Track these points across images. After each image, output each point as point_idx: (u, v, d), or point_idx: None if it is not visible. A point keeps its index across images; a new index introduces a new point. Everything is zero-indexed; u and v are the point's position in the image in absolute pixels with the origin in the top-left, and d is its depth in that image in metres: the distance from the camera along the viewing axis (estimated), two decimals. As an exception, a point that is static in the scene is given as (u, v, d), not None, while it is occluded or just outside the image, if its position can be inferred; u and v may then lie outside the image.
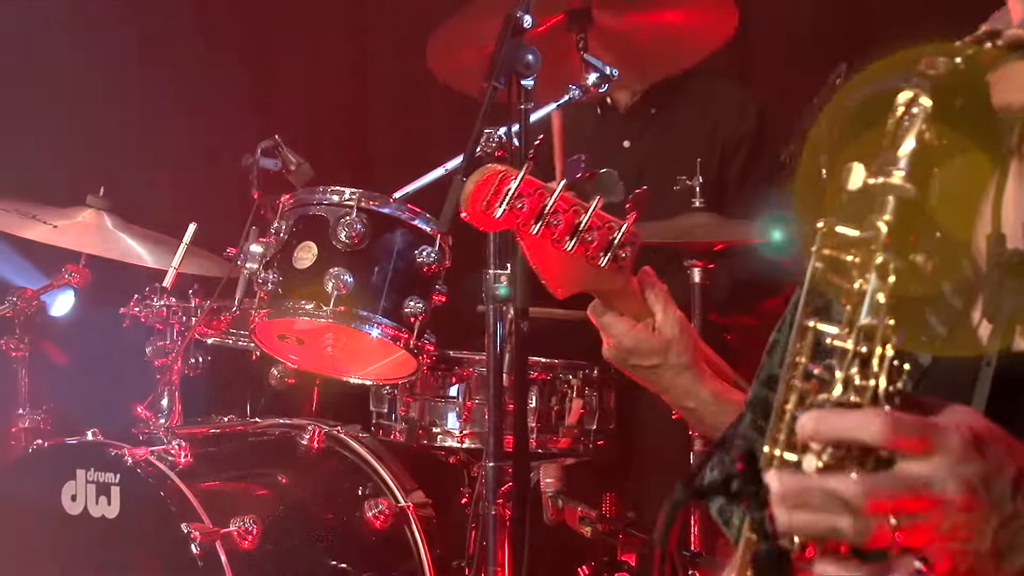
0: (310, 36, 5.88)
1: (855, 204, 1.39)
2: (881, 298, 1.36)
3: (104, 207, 4.66)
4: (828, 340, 1.38)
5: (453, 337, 4.19)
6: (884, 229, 1.36)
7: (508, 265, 3.77)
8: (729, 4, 4.23)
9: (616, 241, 2.68)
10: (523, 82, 3.69)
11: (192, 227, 4.35)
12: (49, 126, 5.83)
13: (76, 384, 5.31)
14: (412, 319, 3.96)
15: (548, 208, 2.65)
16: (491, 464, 3.80)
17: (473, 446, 4.15)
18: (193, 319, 4.22)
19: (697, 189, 4.39)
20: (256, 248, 4.04)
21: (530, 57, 3.68)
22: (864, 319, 1.36)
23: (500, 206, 2.71)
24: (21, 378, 4.55)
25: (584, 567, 4.29)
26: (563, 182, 2.69)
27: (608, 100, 5.07)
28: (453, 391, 4.26)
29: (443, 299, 4.06)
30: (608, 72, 4.05)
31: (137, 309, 4.24)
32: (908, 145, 1.37)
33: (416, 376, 4.19)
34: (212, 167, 4.82)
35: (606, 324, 2.60)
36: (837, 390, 1.35)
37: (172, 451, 4.01)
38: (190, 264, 4.38)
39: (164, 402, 4.19)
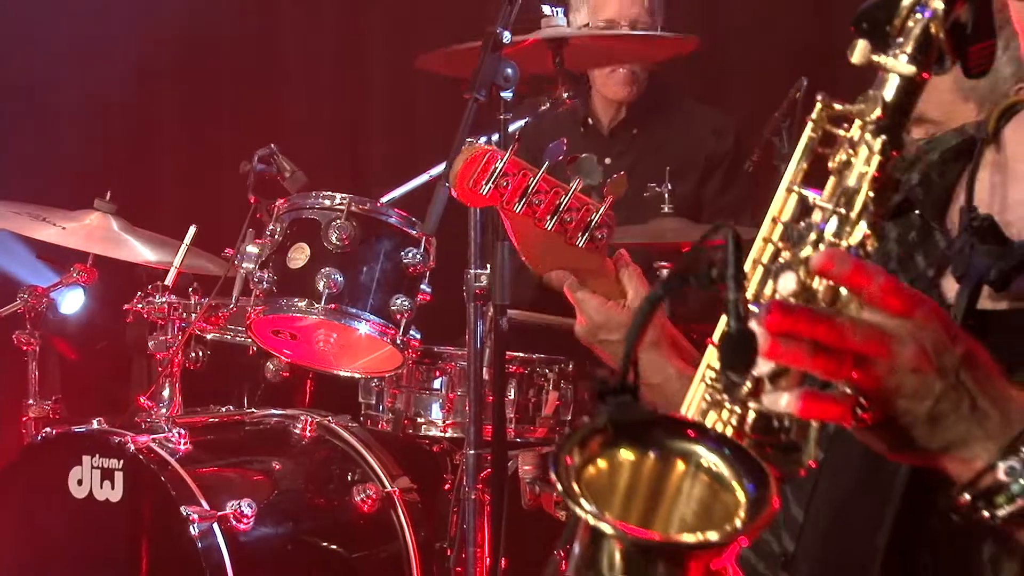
0: (306, 48, 5.86)
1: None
2: (867, 167, 1.33)
3: (110, 210, 4.65)
4: (811, 200, 1.36)
5: (437, 333, 4.19)
6: (881, 106, 1.34)
7: (488, 265, 3.80)
8: (688, 41, 4.26)
9: (594, 223, 2.70)
10: (503, 94, 3.72)
11: (192, 229, 4.35)
12: (58, 134, 5.83)
13: (83, 376, 5.32)
14: (398, 316, 3.96)
15: (531, 188, 2.66)
16: (472, 452, 3.83)
17: (455, 435, 4.17)
18: (193, 315, 4.21)
19: (666, 196, 4.42)
20: (252, 249, 4.05)
21: (509, 71, 3.70)
22: (850, 184, 1.34)
23: (487, 184, 2.72)
24: (31, 370, 4.51)
25: (560, 550, 4.30)
26: (546, 164, 2.71)
27: (590, 121, 5.06)
28: (437, 384, 4.27)
29: (428, 298, 4.06)
30: (583, 79, 4.10)
31: (140, 306, 4.23)
32: (916, 32, 1.33)
33: (402, 370, 4.20)
34: (211, 173, 4.82)
35: (580, 300, 2.62)
36: (806, 250, 1.32)
37: (172, 439, 4.00)
38: (190, 264, 4.38)
39: (165, 393, 4.18)
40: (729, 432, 1.32)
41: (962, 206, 1.56)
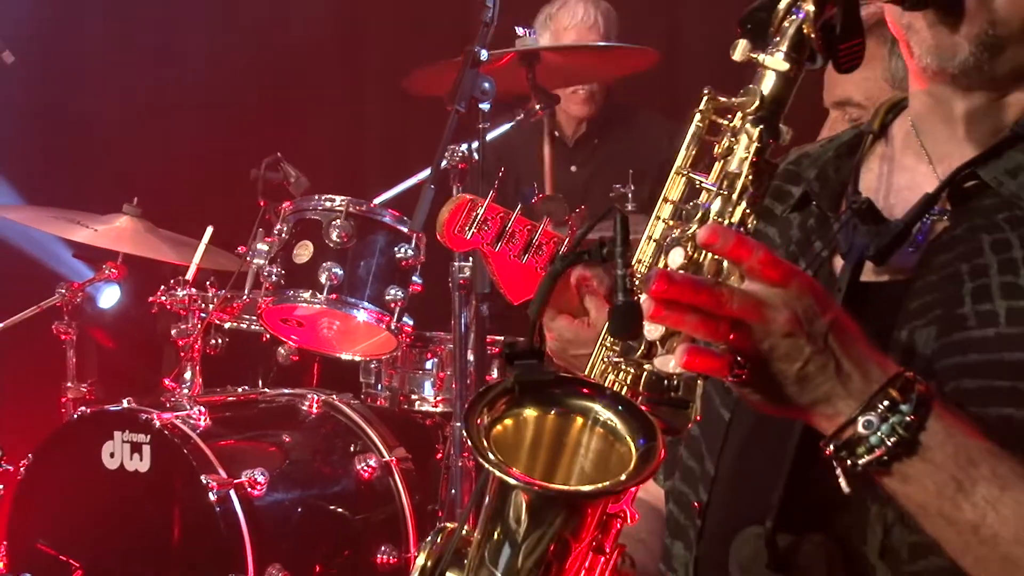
0: (308, 66, 5.85)
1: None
2: (746, 152, 1.33)
3: (137, 214, 4.64)
4: (698, 183, 1.36)
5: (428, 320, 4.18)
6: (759, 99, 1.33)
7: (471, 258, 3.82)
8: (647, 52, 4.28)
9: (560, 252, 2.73)
10: (481, 106, 3.74)
11: (209, 230, 4.36)
12: (90, 146, 5.83)
13: (116, 362, 5.34)
14: (393, 305, 3.98)
15: (507, 228, 2.68)
16: (459, 425, 3.85)
17: (445, 410, 4.18)
18: (211, 306, 4.21)
19: (629, 195, 4.43)
20: (262, 246, 4.09)
21: (487, 85, 3.71)
22: (732, 169, 1.33)
23: (470, 229, 2.75)
24: (69, 357, 4.52)
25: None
26: (519, 207, 2.74)
27: (556, 133, 5.01)
28: (428, 364, 4.30)
29: (419, 288, 4.06)
30: (552, 96, 4.11)
31: (164, 298, 4.23)
32: (790, 31, 1.33)
33: (397, 352, 4.23)
34: (225, 179, 4.81)
35: (550, 320, 2.64)
36: (694, 227, 1.32)
37: (194, 416, 4.00)
38: (208, 260, 4.38)
39: (187, 375, 4.19)
40: (624, 391, 1.32)
41: (848, 192, 1.57)
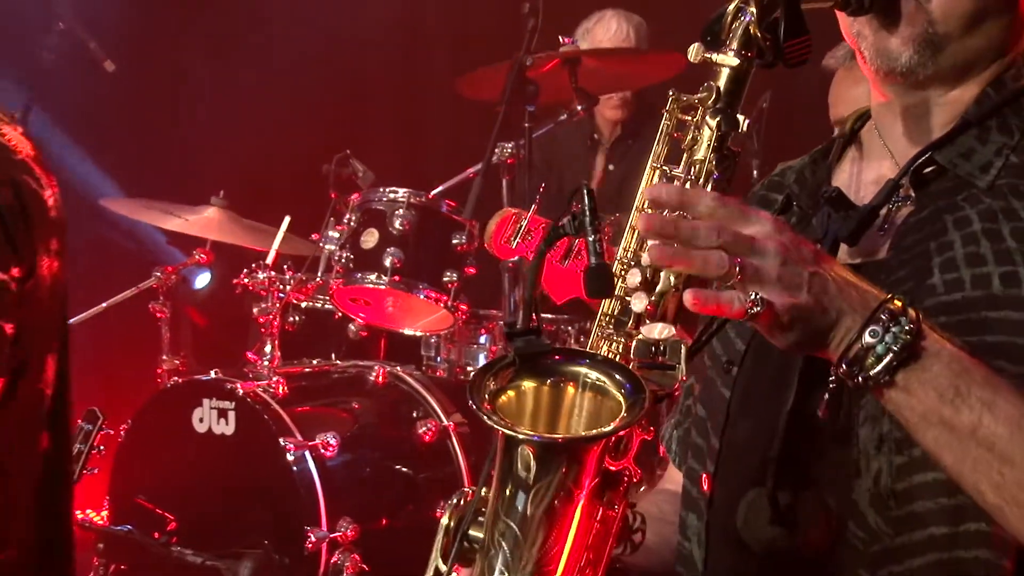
0: (374, 70, 5.87)
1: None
2: (709, 141, 1.35)
3: (223, 205, 4.67)
4: (670, 173, 1.39)
5: (481, 298, 4.19)
6: (716, 93, 1.35)
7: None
8: (676, 57, 4.25)
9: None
10: (527, 107, 3.75)
11: (287, 219, 4.37)
12: (183, 146, 5.89)
13: (207, 337, 5.39)
14: (449, 285, 3.99)
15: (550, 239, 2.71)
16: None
17: None
18: (288, 287, 4.23)
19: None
20: (333, 234, 4.10)
21: (532, 88, 3.73)
22: (697, 156, 1.35)
23: (515, 239, 2.78)
24: (164, 333, 4.56)
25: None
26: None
27: (595, 135, 5.02)
28: (482, 339, 4.32)
29: (473, 270, 4.06)
30: (592, 98, 4.11)
31: (247, 280, 4.25)
32: (739, 32, 1.35)
33: (453, 328, 4.24)
34: (301, 173, 4.83)
35: None
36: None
37: (273, 385, 4.01)
38: (285, 247, 4.39)
39: (267, 349, 4.21)
40: (617, 358, 1.33)
41: (827, 188, 1.56)
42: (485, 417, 1.27)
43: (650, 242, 1.29)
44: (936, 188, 1.47)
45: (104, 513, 4.24)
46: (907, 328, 1.26)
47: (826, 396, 1.33)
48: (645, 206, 1.39)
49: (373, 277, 4.01)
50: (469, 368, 4.34)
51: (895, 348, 1.25)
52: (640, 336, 1.31)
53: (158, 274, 4.57)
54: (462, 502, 1.38)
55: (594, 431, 1.28)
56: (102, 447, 3.59)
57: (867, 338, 1.26)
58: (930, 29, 1.44)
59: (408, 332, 4.38)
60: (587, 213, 1.33)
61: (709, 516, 1.54)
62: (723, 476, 1.54)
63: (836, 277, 1.29)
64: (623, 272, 1.35)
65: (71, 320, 4.35)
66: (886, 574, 1.37)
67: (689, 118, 1.39)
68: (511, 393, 1.33)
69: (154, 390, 4.32)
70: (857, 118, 1.65)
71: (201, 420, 4.02)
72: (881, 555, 1.37)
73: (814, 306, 1.26)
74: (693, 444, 1.62)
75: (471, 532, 1.35)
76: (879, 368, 1.26)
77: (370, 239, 4.04)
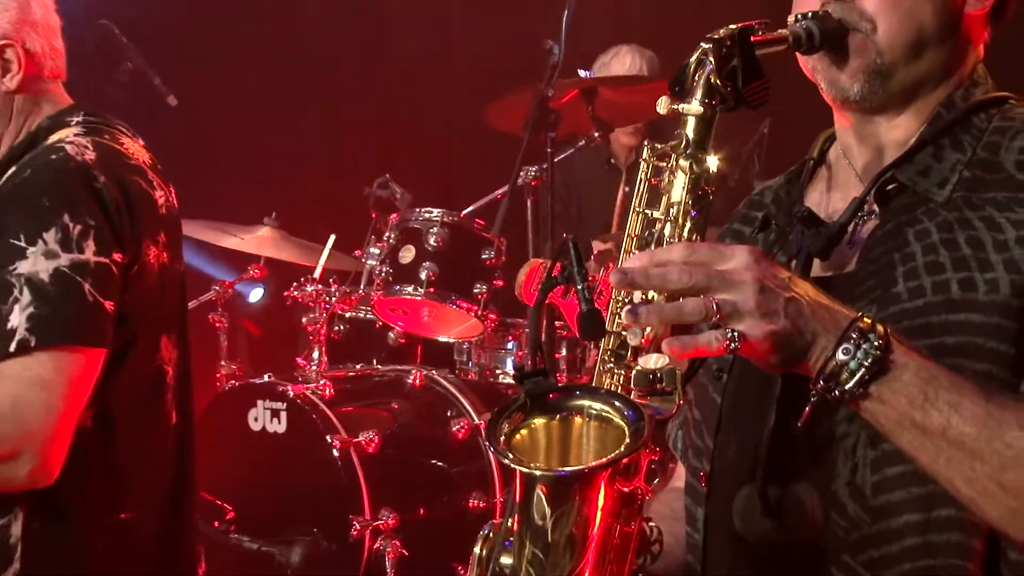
0: (410, 101, 5.89)
1: (669, 128, 1.40)
2: (683, 184, 1.35)
3: (275, 224, 4.71)
4: (650, 216, 1.38)
5: (508, 308, 4.19)
6: (686, 139, 1.35)
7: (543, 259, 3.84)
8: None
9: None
10: (549, 134, 3.77)
11: (332, 237, 4.39)
12: (238, 171, 5.90)
13: (261, 345, 5.40)
14: (480, 296, 3.99)
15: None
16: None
17: None
18: (333, 299, 4.24)
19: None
20: (374, 250, 4.12)
21: (553, 116, 3.75)
22: (674, 199, 1.35)
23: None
24: (222, 341, 4.59)
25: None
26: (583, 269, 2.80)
27: (612, 160, 5.00)
28: (509, 345, 4.31)
29: (501, 283, 4.07)
30: (608, 126, 4.12)
31: (296, 293, 4.27)
32: (700, 81, 1.35)
33: (483, 335, 4.24)
34: (344, 196, 4.84)
35: None
36: (653, 246, 1.35)
37: (320, 388, 4.02)
38: (331, 262, 4.41)
39: (315, 355, 4.22)
40: (619, 390, 1.33)
41: (800, 208, 1.55)
42: (502, 458, 1.27)
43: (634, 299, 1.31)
44: (898, 204, 1.48)
45: (169, 504, 4.26)
46: (876, 344, 1.26)
47: (807, 409, 1.32)
48: (633, 247, 1.40)
49: (410, 289, 4.01)
50: (498, 371, 4.34)
51: (866, 363, 1.26)
52: (638, 367, 1.30)
53: (216, 288, 4.59)
54: (492, 534, 1.37)
55: (599, 460, 1.28)
56: (167, 444, 3.61)
57: (840, 355, 1.26)
58: (877, 60, 1.46)
59: (442, 339, 4.39)
60: (575, 265, 1.33)
61: (707, 510, 1.55)
62: (718, 473, 1.54)
63: (810, 300, 1.28)
64: (618, 309, 1.34)
65: None
66: (867, 558, 1.37)
67: (664, 164, 1.38)
68: (524, 432, 1.32)
69: (213, 393, 4.33)
70: (825, 140, 1.65)
71: (256, 420, 4.03)
72: (861, 541, 1.38)
73: (791, 330, 1.26)
74: (692, 443, 1.63)
75: (502, 560, 1.34)
76: (853, 382, 1.26)
77: (407, 255, 4.04)
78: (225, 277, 4.76)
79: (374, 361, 4.63)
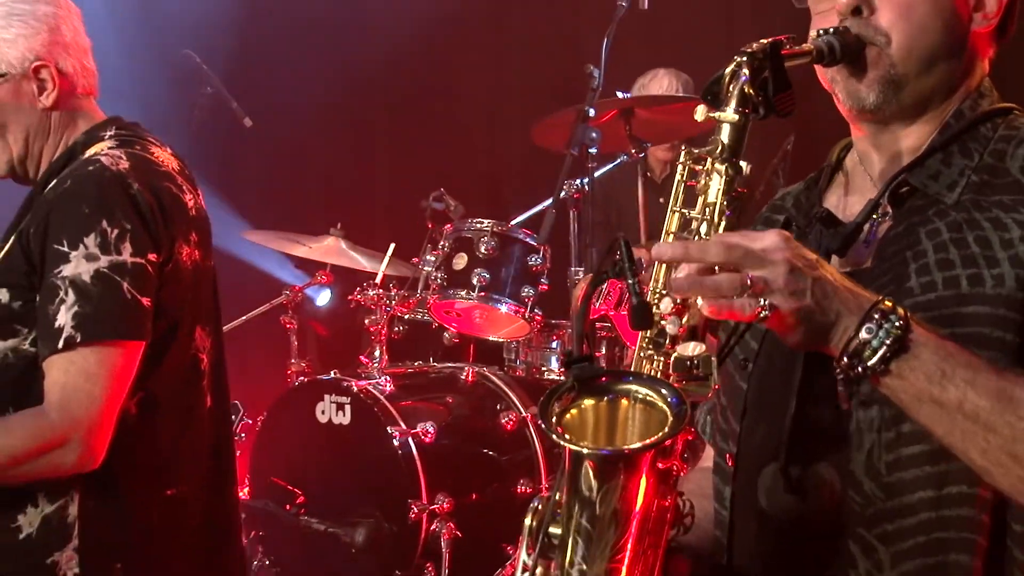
0: (463, 120, 5.89)
1: (704, 137, 1.39)
2: (719, 186, 1.35)
3: (340, 234, 4.70)
4: (687, 215, 1.38)
5: (553, 310, 4.17)
6: (721, 145, 1.36)
7: (583, 264, 3.83)
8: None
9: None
10: (590, 150, 3.75)
11: (392, 246, 4.39)
12: (308, 186, 5.95)
13: (327, 344, 5.42)
14: (527, 300, 3.97)
15: (625, 295, 2.74)
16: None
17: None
18: (393, 302, 4.25)
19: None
20: (430, 258, 4.11)
21: (594, 135, 3.73)
22: (711, 200, 1.36)
23: (597, 301, 2.80)
24: (292, 341, 4.60)
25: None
26: (636, 279, 2.79)
27: (648, 173, 4.97)
28: (554, 344, 4.28)
29: (546, 288, 4.05)
30: (644, 144, 4.10)
31: (359, 297, 4.27)
32: (735, 91, 1.36)
33: (530, 335, 4.22)
34: (403, 208, 4.86)
35: None
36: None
37: (381, 383, 4.04)
38: (391, 269, 4.43)
39: (377, 354, 4.22)
40: (659, 375, 1.34)
41: (819, 209, 1.57)
42: (554, 437, 1.28)
43: (673, 274, 1.32)
44: (910, 205, 1.47)
45: (245, 489, 4.27)
46: (897, 324, 1.27)
47: (840, 390, 1.33)
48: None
49: (463, 293, 4.01)
50: (543, 368, 4.31)
51: (887, 341, 1.26)
52: (676, 354, 1.31)
53: (287, 292, 4.61)
54: (540, 507, 1.37)
55: (648, 440, 1.28)
56: (243, 434, 3.63)
57: (863, 334, 1.27)
58: (891, 71, 1.45)
59: (492, 339, 4.38)
60: (625, 260, 1.33)
61: (734, 487, 1.55)
62: (744, 454, 1.54)
63: (835, 282, 1.30)
64: (656, 300, 1.36)
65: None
66: (881, 531, 1.37)
67: (700, 167, 1.39)
68: (574, 412, 1.33)
69: (284, 388, 4.35)
70: (841, 148, 1.65)
71: (323, 412, 4.05)
72: (876, 516, 1.38)
73: (815, 308, 1.28)
74: (720, 427, 1.63)
75: (551, 530, 1.34)
76: (875, 359, 1.27)
77: (460, 262, 4.04)
78: (295, 282, 4.78)
79: (430, 359, 4.63)
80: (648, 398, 1.32)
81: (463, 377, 4.32)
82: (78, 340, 1.97)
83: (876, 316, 1.27)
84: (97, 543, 2.05)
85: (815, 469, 1.42)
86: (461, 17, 5.62)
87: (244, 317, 4.72)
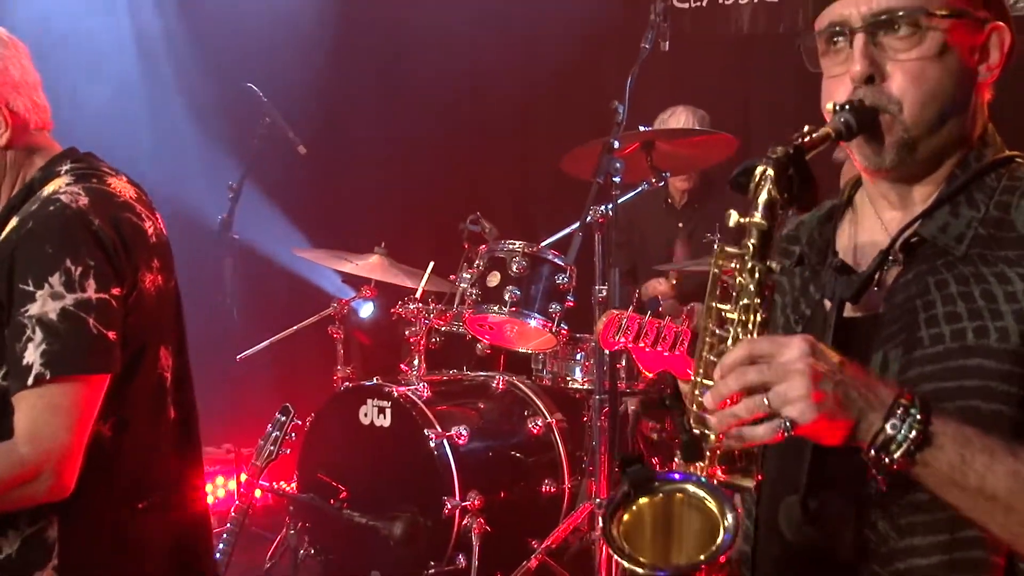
0: (495, 150, 5.90)
1: (734, 234, 1.35)
2: (752, 287, 1.32)
3: (383, 253, 4.72)
4: (724, 312, 1.35)
5: (578, 325, 4.16)
6: (751, 247, 1.32)
7: (606, 283, 3.82)
8: (730, 138, 4.25)
9: (679, 339, 2.75)
10: (614, 179, 3.74)
11: (431, 264, 4.42)
12: (354, 208, 5.97)
13: (371, 353, 5.44)
14: (554, 315, 3.96)
15: (643, 328, 2.75)
16: (597, 397, 3.82)
17: (589, 387, 4.12)
18: (431, 315, 4.27)
19: (716, 240, 4.38)
20: (466, 275, 4.10)
21: (618, 165, 3.72)
22: (743, 301, 1.33)
23: (618, 334, 2.79)
24: (338, 349, 4.63)
25: (655, 458, 4.27)
26: (648, 312, 2.79)
27: (669, 200, 4.97)
28: (578, 356, 4.26)
29: (572, 304, 4.04)
30: (664, 174, 4.09)
31: (400, 310, 4.31)
32: (762, 197, 1.32)
33: (557, 348, 4.22)
34: (442, 230, 4.87)
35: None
36: (730, 341, 1.32)
37: (420, 389, 4.06)
38: (430, 285, 4.44)
39: (415, 362, 4.25)
40: (707, 465, 1.33)
41: (829, 252, 1.54)
42: (616, 554, 1.27)
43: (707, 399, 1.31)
44: (920, 254, 1.44)
45: (293, 484, 4.31)
46: (918, 418, 1.25)
47: (873, 471, 1.31)
48: (708, 337, 1.37)
49: (496, 308, 4.01)
50: (568, 378, 4.30)
51: (911, 436, 1.25)
52: (721, 448, 1.31)
53: (334, 305, 4.64)
54: None
55: (700, 558, 1.27)
56: (293, 434, 3.63)
57: (888, 430, 1.26)
58: (905, 135, 1.42)
59: (522, 350, 4.37)
60: (675, 399, 1.33)
61: (758, 511, 1.52)
62: (767, 481, 1.49)
63: (857, 383, 1.27)
64: (698, 392, 1.34)
65: (273, 339, 4.38)
66: (894, 569, 1.35)
67: (733, 265, 1.34)
68: (628, 516, 1.32)
69: (330, 393, 4.37)
70: (851, 186, 1.61)
71: (365, 415, 4.08)
72: (889, 555, 1.36)
73: (838, 412, 1.26)
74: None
75: None
76: (901, 452, 1.26)
77: (494, 279, 4.04)
78: (342, 296, 4.80)
79: (464, 368, 4.65)
80: (699, 498, 1.31)
81: (494, 385, 4.34)
82: (47, 377, 1.90)
83: (899, 411, 1.26)
84: (75, 562, 1.99)
85: (832, 502, 1.39)
86: (497, 57, 5.65)
87: (295, 327, 4.76)
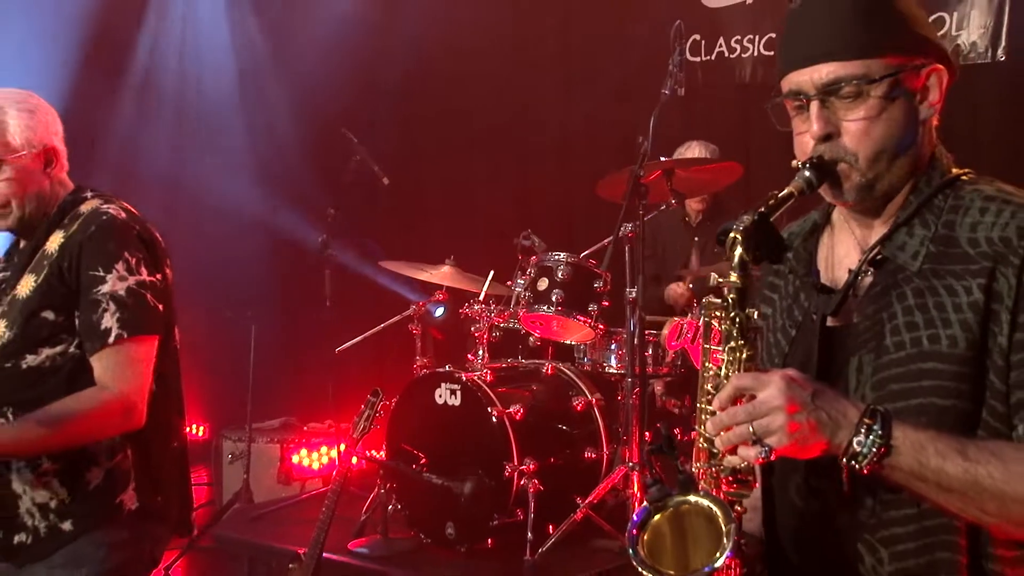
0: (547, 175, 5.89)
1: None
2: (735, 332, 1.32)
3: (453, 263, 4.71)
4: (715, 353, 1.36)
5: (612, 320, 4.16)
6: (731, 301, 1.32)
7: (635, 286, 3.82)
8: (736, 166, 4.21)
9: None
10: (640, 201, 3.75)
11: (491, 272, 4.42)
12: (428, 226, 6.01)
13: (443, 346, 5.47)
14: (593, 313, 4.00)
15: (698, 332, 2.75)
16: (629, 380, 3.85)
17: (622, 372, 4.13)
18: (492, 314, 4.28)
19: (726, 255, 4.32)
20: (520, 281, 4.16)
21: (643, 189, 3.73)
22: (729, 344, 1.34)
23: (679, 338, 2.79)
24: (417, 343, 4.65)
25: (678, 428, 4.24)
26: (701, 318, 2.79)
27: (686, 218, 4.93)
28: (613, 346, 4.27)
29: (608, 304, 4.06)
30: (682, 196, 4.08)
31: (467, 310, 4.32)
32: (735, 260, 1.32)
33: (595, 340, 4.23)
34: (500, 245, 4.86)
35: None
36: (722, 374, 1.35)
37: (483, 375, 4.06)
38: (491, 289, 4.43)
39: (480, 353, 4.26)
40: (711, 477, 1.36)
41: (815, 268, 1.51)
42: (642, 569, 1.28)
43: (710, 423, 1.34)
44: (886, 269, 1.42)
45: (383, 452, 4.35)
46: (880, 434, 1.27)
47: (844, 476, 1.34)
48: (707, 385, 1.39)
49: (545, 308, 4.05)
50: (604, 364, 4.30)
51: (874, 448, 1.27)
52: (724, 464, 1.33)
53: (413, 307, 4.67)
54: None
55: (714, 562, 1.28)
56: (381, 412, 3.68)
57: (855, 446, 1.28)
58: (862, 179, 1.40)
59: (566, 342, 4.38)
60: (672, 447, 1.36)
61: (772, 486, 1.51)
62: (779, 462, 1.46)
63: (827, 405, 1.28)
64: (705, 418, 1.36)
65: (364, 335, 4.38)
66: (880, 536, 1.37)
67: (719, 314, 1.35)
68: (648, 533, 1.34)
69: (410, 379, 4.40)
70: (831, 205, 1.58)
71: (439, 397, 4.09)
72: (876, 524, 1.37)
73: (811, 437, 1.28)
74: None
75: None
76: (867, 461, 1.28)
77: (543, 284, 4.08)
78: (419, 300, 4.82)
79: (519, 357, 4.65)
80: (707, 507, 1.32)
81: (544, 370, 4.33)
82: (125, 336, 2.09)
83: (863, 429, 1.27)
84: (145, 485, 2.18)
85: (831, 482, 1.38)
86: (542, 100, 5.72)
87: (381, 325, 4.81)
